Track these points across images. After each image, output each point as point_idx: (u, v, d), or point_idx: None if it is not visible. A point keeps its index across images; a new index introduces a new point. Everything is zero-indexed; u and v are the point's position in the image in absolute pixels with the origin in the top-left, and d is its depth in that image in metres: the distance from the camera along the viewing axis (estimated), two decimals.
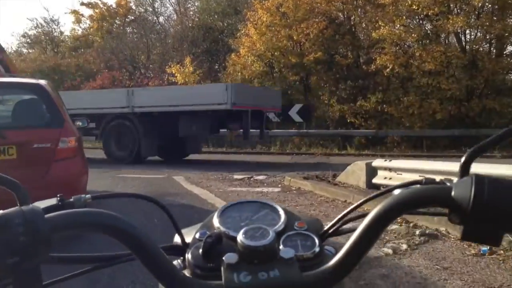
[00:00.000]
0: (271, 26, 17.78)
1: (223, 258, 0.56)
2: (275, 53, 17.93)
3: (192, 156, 13.23)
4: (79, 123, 6.27)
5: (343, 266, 0.55)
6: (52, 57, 27.41)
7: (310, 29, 17.01)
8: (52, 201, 0.63)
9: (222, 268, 0.56)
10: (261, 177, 8.07)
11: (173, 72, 19.16)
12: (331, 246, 0.69)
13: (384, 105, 15.75)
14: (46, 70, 24.10)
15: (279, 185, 7.23)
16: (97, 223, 0.54)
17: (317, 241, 0.64)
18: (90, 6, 29.93)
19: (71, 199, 0.64)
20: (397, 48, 16.16)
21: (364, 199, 0.70)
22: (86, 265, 0.65)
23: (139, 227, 0.55)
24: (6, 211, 0.50)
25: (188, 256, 0.62)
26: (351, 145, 15.26)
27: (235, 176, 8.32)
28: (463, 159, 0.59)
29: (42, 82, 4.98)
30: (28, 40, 32.43)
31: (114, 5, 29.96)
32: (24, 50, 32.40)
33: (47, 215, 0.51)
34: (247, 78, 18.51)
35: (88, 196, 0.66)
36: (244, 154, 14.69)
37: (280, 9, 17.79)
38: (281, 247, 0.61)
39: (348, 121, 16.35)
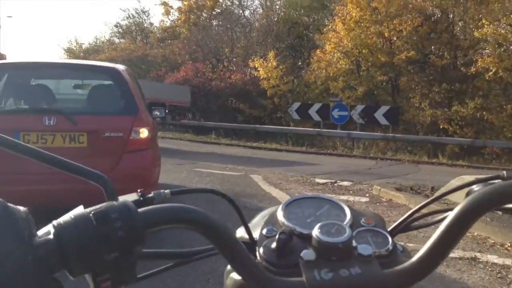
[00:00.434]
0: (360, 21, 16.82)
1: (301, 255, 0.56)
2: (363, 51, 16.97)
3: (271, 154, 12.72)
4: (156, 113, 5.94)
5: (427, 264, 0.53)
6: (141, 47, 28.15)
7: (403, 25, 15.86)
8: (134, 196, 0.62)
9: (300, 265, 0.56)
10: (345, 183, 7.33)
11: (256, 66, 18.77)
12: (399, 244, 0.63)
13: (484, 112, 14.29)
14: (134, 59, 24.73)
15: (367, 194, 6.48)
16: (189, 219, 0.54)
17: (389, 238, 0.62)
18: None
19: (151, 194, 0.63)
20: (502, 49, 14.60)
21: (436, 195, 0.69)
22: (173, 260, 0.66)
23: (223, 223, 0.55)
24: (100, 206, 0.49)
25: (261, 252, 0.61)
26: (443, 153, 13.99)
27: (317, 180, 7.66)
28: None
29: (119, 67, 4.63)
30: (120, 30, 33.67)
31: None
32: (116, 40, 33.70)
33: (139, 210, 0.51)
34: (331, 76, 17.72)
35: (167, 191, 0.65)
36: (324, 155, 13.94)
37: (371, 4, 16.78)
38: (354, 243, 0.58)
39: (441, 127, 15.05)
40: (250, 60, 19.77)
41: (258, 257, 0.61)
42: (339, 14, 17.53)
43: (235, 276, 0.60)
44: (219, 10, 30.25)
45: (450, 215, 0.53)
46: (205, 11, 30.68)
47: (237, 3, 30.08)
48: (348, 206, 0.69)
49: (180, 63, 24.03)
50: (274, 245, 0.60)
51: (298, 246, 0.59)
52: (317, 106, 16.79)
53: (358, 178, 7.93)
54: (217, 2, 30.35)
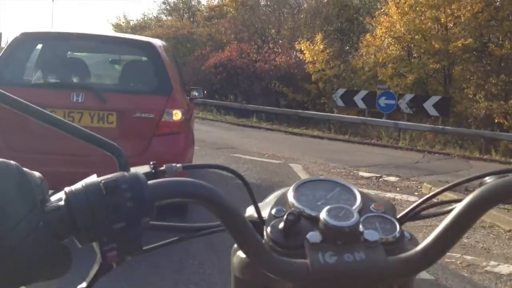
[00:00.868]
0: (415, 5, 15.91)
1: (307, 236, 0.57)
2: (416, 36, 16.08)
3: (312, 141, 12.28)
4: (195, 93, 5.64)
5: (432, 253, 0.53)
6: (187, 25, 27.98)
7: (462, 11, 14.87)
8: (146, 168, 0.60)
9: (305, 247, 0.56)
10: (392, 179, 6.85)
11: (302, 49, 18.19)
12: (407, 232, 0.64)
13: None
14: (180, 37, 24.57)
15: (416, 193, 5.99)
16: (197, 194, 0.54)
17: (397, 224, 0.62)
18: None
19: (163, 167, 0.62)
20: None
21: (448, 185, 0.69)
22: (180, 233, 0.67)
23: (232, 201, 0.56)
24: (111, 175, 0.50)
25: (268, 232, 0.61)
26: (497, 149, 13.12)
27: (361, 173, 7.21)
28: None
29: (155, 41, 4.33)
30: (168, 7, 33.61)
31: None
32: (164, 17, 33.68)
33: (149, 182, 0.52)
34: (380, 62, 16.94)
35: (179, 165, 0.63)
36: (368, 145, 13.36)
37: None
38: (361, 228, 0.58)
39: (496, 121, 14.11)
40: (296, 43, 19.16)
41: (265, 237, 0.61)
42: None
43: (241, 254, 0.60)
44: None
45: (458, 207, 0.52)
46: None
47: None
48: (359, 191, 0.69)
49: (225, 42, 23.69)
50: (281, 225, 0.60)
51: (306, 228, 0.60)
52: (363, 93, 16.13)
53: (405, 173, 7.41)
54: None
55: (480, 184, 0.64)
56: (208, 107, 19.09)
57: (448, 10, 15.24)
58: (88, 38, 4.13)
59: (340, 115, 16.39)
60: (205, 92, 5.98)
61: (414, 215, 0.70)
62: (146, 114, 3.83)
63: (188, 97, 5.63)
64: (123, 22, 33.54)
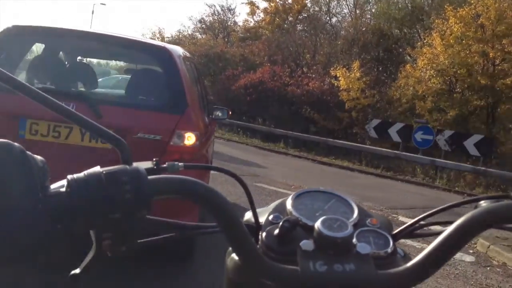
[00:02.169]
0: (461, 38, 15.01)
1: (300, 244, 0.58)
2: (460, 70, 15.12)
3: (342, 173, 11.38)
4: (218, 113, 4.91)
5: (420, 270, 0.54)
6: (221, 44, 27.65)
7: None
8: (149, 164, 0.61)
9: (297, 254, 0.57)
10: (438, 228, 5.89)
11: (337, 75, 17.41)
12: (401, 249, 0.65)
13: None
14: (212, 55, 24.17)
15: (470, 251, 5.05)
16: (195, 193, 0.55)
17: (390, 240, 0.63)
18: None
19: (165, 165, 0.63)
20: None
21: (444, 206, 0.70)
22: (176, 230, 0.67)
23: (229, 203, 0.56)
24: (113, 167, 0.52)
25: (263, 237, 0.62)
26: None
27: (401, 218, 6.31)
28: None
29: (172, 47, 3.60)
30: (203, 25, 33.50)
31: (290, 0, 29.34)
32: (198, 36, 33.53)
33: (149, 177, 0.53)
34: (419, 94, 16.00)
35: (181, 164, 0.65)
36: (402, 181, 12.39)
37: (477, 20, 14.93)
38: (354, 241, 0.60)
39: None
40: (332, 68, 18.39)
41: (260, 241, 0.62)
42: (438, 28, 15.79)
43: (235, 256, 0.60)
44: (305, 15, 29.18)
45: (450, 227, 0.54)
46: (291, 14, 29.73)
47: (325, 9, 28.91)
48: (358, 206, 0.70)
49: (258, 64, 23.14)
50: (277, 231, 0.61)
51: (301, 236, 0.60)
52: (398, 125, 15.21)
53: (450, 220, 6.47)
54: (305, 7, 29.32)
55: (475, 207, 0.61)
56: (234, 128, 18.43)
57: (498, 45, 14.27)
58: (90, 37, 3.44)
59: (373, 147, 15.46)
60: (230, 112, 5.25)
61: (409, 233, 0.70)
62: (151, 135, 3.09)
63: (210, 117, 4.92)
64: (157, 38, 33.50)
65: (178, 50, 3.72)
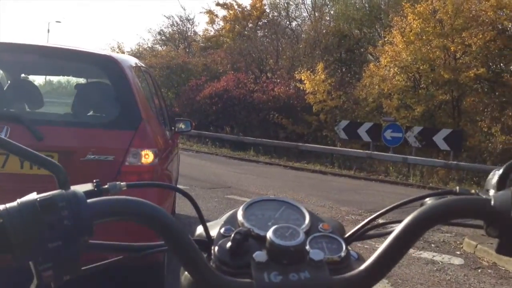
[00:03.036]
0: (421, 34, 15.05)
1: (253, 256, 0.56)
2: (423, 66, 15.15)
3: (315, 177, 11.12)
4: (181, 126, 4.53)
5: (374, 272, 0.54)
6: (182, 55, 27.19)
7: (473, 39, 13.97)
8: (88, 186, 0.60)
9: (251, 266, 0.56)
10: (387, 229, 5.65)
11: (302, 79, 17.23)
12: (354, 252, 0.65)
13: None
14: (174, 67, 23.70)
15: (457, 252, 4.81)
16: (139, 213, 0.53)
17: (343, 244, 0.63)
18: (225, 6, 29.46)
19: (107, 186, 0.61)
20: None
21: (392, 205, 0.69)
22: (122, 253, 0.63)
23: (176, 220, 0.54)
24: (49, 193, 0.49)
25: (215, 251, 0.61)
26: None
27: (381, 221, 6.02)
28: (500, 172, 0.60)
29: (119, 57, 3.21)
30: (163, 37, 32.94)
31: (248, 7, 29.17)
32: (159, 47, 32.91)
33: (88, 200, 0.51)
34: (385, 92, 15.96)
35: (123, 183, 0.63)
36: (376, 181, 12.23)
37: (435, 15, 15.01)
38: (307, 248, 0.59)
39: None
40: (296, 72, 18.21)
41: (213, 256, 0.61)
42: (398, 26, 15.81)
43: (188, 274, 0.59)
44: (265, 21, 29.03)
45: (398, 227, 0.54)
46: (250, 21, 29.52)
47: (284, 14, 28.84)
48: (309, 212, 0.68)
49: (221, 72, 22.80)
50: (229, 244, 0.60)
51: (254, 247, 0.59)
52: (367, 125, 15.12)
53: None
54: (264, 12, 29.19)
55: (421, 205, 0.61)
56: (202, 139, 18.01)
57: (458, 39, 14.36)
58: (30, 50, 3.01)
59: (344, 149, 15.31)
60: (194, 124, 4.89)
61: (360, 235, 0.69)
62: (102, 156, 2.69)
63: (173, 130, 4.54)
64: (117, 52, 32.75)
65: (128, 59, 3.34)
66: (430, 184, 12.25)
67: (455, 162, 12.97)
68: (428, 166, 13.51)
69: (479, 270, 4.19)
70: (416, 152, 14.04)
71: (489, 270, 4.21)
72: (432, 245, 5.01)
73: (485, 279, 3.95)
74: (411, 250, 4.72)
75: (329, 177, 12.15)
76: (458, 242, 5.12)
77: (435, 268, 4.16)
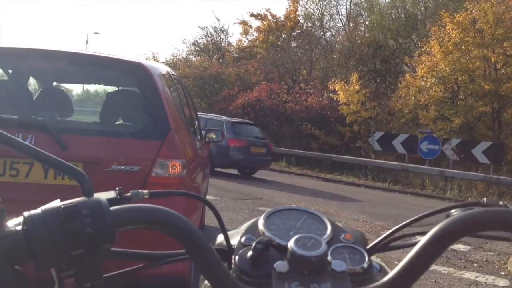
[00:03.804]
0: (460, 44, 14.61)
1: (274, 266, 0.56)
2: (462, 77, 14.69)
3: (348, 189, 10.85)
4: (212, 136, 4.44)
5: (398, 284, 0.53)
6: (216, 65, 27.36)
7: None
8: (111, 194, 0.58)
9: (272, 276, 0.55)
10: (461, 247, 5.36)
11: (336, 89, 16.99)
12: (376, 263, 0.64)
13: None
14: (207, 77, 23.82)
15: (502, 273, 4.51)
16: (161, 221, 0.53)
17: (366, 255, 0.62)
18: (259, 17, 29.55)
19: (129, 193, 0.59)
20: None
21: (416, 216, 0.68)
22: (143, 261, 0.63)
23: (198, 229, 0.54)
24: (73, 200, 0.49)
25: (236, 260, 0.60)
26: None
27: (418, 237, 5.76)
28: None
29: (149, 64, 3.14)
30: (197, 48, 33.27)
31: (282, 18, 29.15)
32: (193, 58, 33.25)
33: (111, 208, 0.51)
34: (421, 103, 15.54)
35: (145, 191, 0.61)
36: (411, 194, 11.86)
37: (475, 25, 14.56)
38: (329, 258, 0.59)
39: None
40: (330, 83, 17.98)
41: (233, 265, 0.60)
42: (435, 35, 15.41)
43: (208, 283, 0.58)
44: (299, 31, 28.95)
45: (424, 239, 0.53)
46: (284, 31, 29.50)
47: (319, 24, 28.68)
48: (330, 221, 0.68)
49: (254, 83, 22.77)
50: (250, 254, 0.59)
51: (275, 257, 0.59)
52: (402, 137, 14.75)
53: (471, 239, 5.93)
54: (298, 23, 29.12)
55: (447, 217, 0.60)
56: None
57: (499, 49, 13.86)
58: (59, 57, 2.95)
59: (378, 161, 14.96)
60: (224, 134, 4.78)
61: (383, 246, 0.69)
62: (128, 166, 2.60)
63: (203, 141, 4.44)
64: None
65: (158, 67, 3.26)
66: (469, 198, 11.77)
67: (495, 176, 12.47)
68: (466, 180, 13.03)
69: None
70: (453, 165, 13.59)
71: None
72: (475, 264, 4.72)
73: None
74: (452, 270, 4.47)
75: (362, 190, 11.86)
76: (502, 262, 4.82)
77: None
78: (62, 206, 0.48)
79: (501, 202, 0.63)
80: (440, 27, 15.53)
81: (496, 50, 14.02)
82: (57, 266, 0.48)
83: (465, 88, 14.91)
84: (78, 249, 0.47)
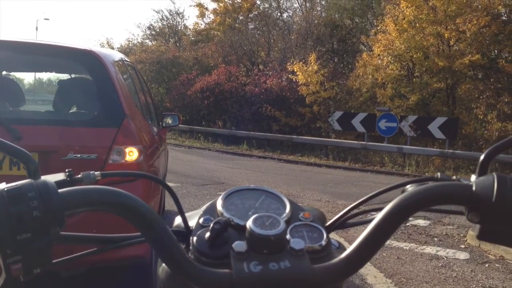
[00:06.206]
0: (415, 21, 14.86)
1: (232, 246, 0.55)
2: (417, 54, 14.97)
3: (310, 169, 10.93)
4: (168, 121, 4.33)
5: (355, 260, 0.54)
6: (172, 49, 26.88)
7: (467, 25, 13.80)
8: (61, 176, 0.57)
9: (231, 257, 0.55)
10: (421, 223, 5.47)
11: (294, 70, 17.01)
12: (335, 240, 0.64)
13: None
14: (164, 61, 23.38)
15: (461, 246, 4.63)
16: (113, 203, 0.51)
17: (324, 233, 0.62)
18: None
19: (80, 175, 0.58)
20: None
21: (372, 193, 0.68)
22: (96, 245, 0.61)
23: (153, 210, 0.52)
24: (17, 183, 0.47)
25: (193, 241, 0.59)
26: None
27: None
28: (481, 158, 0.60)
29: (102, 51, 2.99)
30: (153, 32, 32.59)
31: (239, 0, 28.86)
32: (149, 42, 32.55)
33: (60, 190, 0.49)
34: (379, 82, 15.79)
35: (97, 173, 0.59)
36: (371, 172, 12.08)
37: (428, 2, 14.81)
38: (288, 237, 0.58)
39: None
40: (288, 64, 17.98)
41: (191, 246, 0.59)
42: (390, 14, 15.60)
43: (166, 265, 0.57)
44: (256, 13, 28.74)
45: (378, 215, 0.53)
46: (241, 13, 29.22)
47: (275, 5, 28.56)
48: (289, 200, 0.68)
49: (212, 66, 22.53)
50: (207, 235, 0.58)
51: (234, 237, 0.58)
52: (361, 115, 14.95)
53: (431, 214, 6.08)
54: (254, 4, 28.89)
55: (402, 192, 0.60)
56: (194, 135, 17.78)
57: (452, 26, 14.18)
58: (4, 46, 2.77)
59: (338, 140, 15.15)
60: (181, 118, 4.67)
61: (341, 223, 0.68)
62: (84, 154, 2.49)
63: (160, 125, 4.33)
64: (105, 47, 32.35)
65: (110, 54, 3.12)
66: (426, 173, 12.09)
67: (450, 151, 12.85)
68: (423, 156, 13.38)
69: (486, 265, 4.01)
70: (411, 142, 13.91)
71: (496, 265, 4.04)
72: (435, 239, 4.83)
73: (493, 275, 3.77)
74: (414, 245, 4.56)
75: (324, 170, 11.98)
76: (461, 235, 4.95)
77: (440, 264, 3.98)
78: (6, 189, 0.46)
79: (454, 177, 0.63)
80: (395, 5, 15.72)
81: (449, 27, 14.32)
82: (2, 251, 0.46)
83: (420, 65, 15.22)
84: (24, 233, 0.45)
